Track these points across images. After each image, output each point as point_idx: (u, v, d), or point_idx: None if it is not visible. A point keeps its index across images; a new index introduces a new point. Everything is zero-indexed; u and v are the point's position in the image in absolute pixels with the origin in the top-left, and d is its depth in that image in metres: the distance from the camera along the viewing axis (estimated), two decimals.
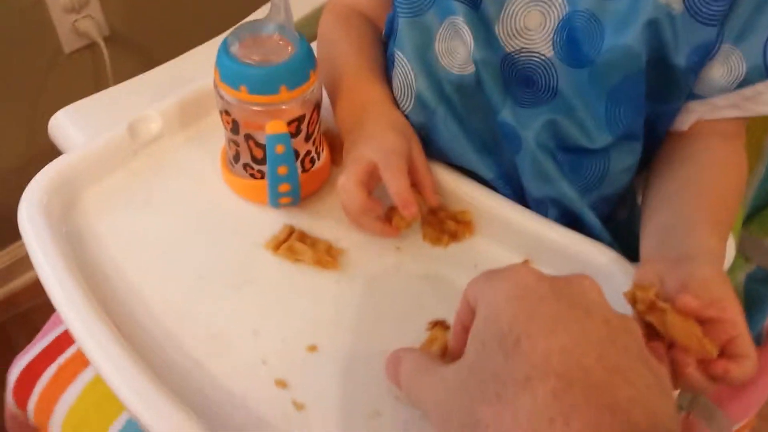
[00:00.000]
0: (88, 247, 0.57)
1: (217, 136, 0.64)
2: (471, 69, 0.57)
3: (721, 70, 0.54)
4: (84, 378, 0.68)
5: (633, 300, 0.46)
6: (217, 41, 0.80)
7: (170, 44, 1.32)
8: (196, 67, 0.77)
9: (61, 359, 0.70)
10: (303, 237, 0.59)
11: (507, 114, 0.58)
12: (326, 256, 0.57)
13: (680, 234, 0.52)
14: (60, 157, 0.60)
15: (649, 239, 0.54)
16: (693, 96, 0.57)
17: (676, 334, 0.43)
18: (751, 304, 0.79)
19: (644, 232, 0.56)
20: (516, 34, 0.56)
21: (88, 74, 1.28)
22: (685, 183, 0.57)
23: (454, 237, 0.60)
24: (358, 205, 0.55)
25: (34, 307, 1.41)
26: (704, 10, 0.51)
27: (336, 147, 0.65)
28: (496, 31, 0.57)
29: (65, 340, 0.72)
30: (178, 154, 0.65)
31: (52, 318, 0.77)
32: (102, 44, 1.21)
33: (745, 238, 0.82)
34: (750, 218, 0.82)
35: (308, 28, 0.80)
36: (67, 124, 0.71)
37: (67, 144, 0.71)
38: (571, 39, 0.55)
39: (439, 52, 0.58)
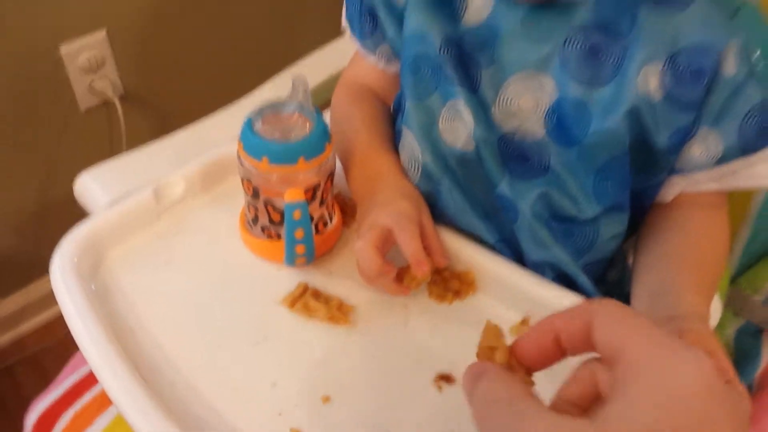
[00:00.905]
0: (114, 304, 0.60)
1: (236, 198, 0.67)
2: (472, 146, 0.61)
3: (699, 149, 0.58)
4: (101, 423, 0.69)
5: None
6: (229, 109, 0.84)
7: (181, 104, 1.37)
8: (213, 133, 0.80)
9: (77, 405, 0.72)
10: (317, 294, 0.62)
11: (505, 187, 0.61)
12: (338, 312, 0.60)
13: (668, 298, 0.56)
14: (89, 219, 0.64)
15: (640, 302, 0.58)
16: (675, 171, 0.60)
17: None
18: (741, 357, 0.82)
19: (634, 295, 0.60)
20: (511, 116, 0.60)
21: (103, 131, 1.31)
22: (670, 250, 0.60)
23: (458, 295, 0.63)
24: (375, 270, 0.57)
25: (43, 351, 1.42)
26: (682, 98, 0.55)
27: (346, 209, 0.69)
28: (493, 112, 0.61)
29: (83, 385, 0.74)
30: (199, 216, 0.69)
31: (71, 363, 0.79)
32: (117, 103, 1.24)
33: (735, 294, 0.84)
34: (739, 275, 0.86)
35: (324, 94, 0.84)
36: (92, 186, 0.74)
37: (91, 203, 0.74)
38: (561, 122, 0.58)
39: (442, 130, 0.62)
